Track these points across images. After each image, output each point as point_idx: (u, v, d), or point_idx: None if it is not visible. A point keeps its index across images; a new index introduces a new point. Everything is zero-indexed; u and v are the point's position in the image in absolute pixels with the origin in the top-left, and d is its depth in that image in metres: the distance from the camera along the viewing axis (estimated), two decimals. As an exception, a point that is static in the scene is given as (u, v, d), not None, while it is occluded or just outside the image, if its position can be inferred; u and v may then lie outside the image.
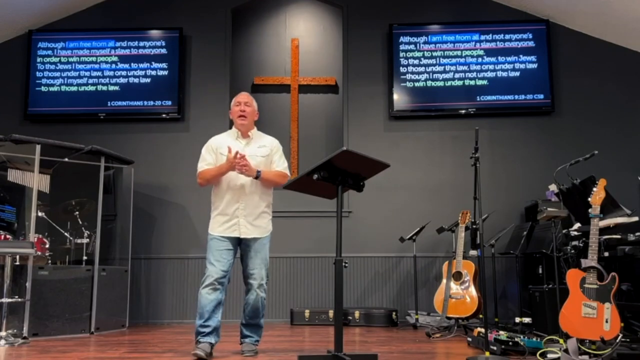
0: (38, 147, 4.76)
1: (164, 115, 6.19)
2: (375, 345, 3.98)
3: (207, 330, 3.38)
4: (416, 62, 6.20)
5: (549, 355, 3.29)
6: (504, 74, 6.13)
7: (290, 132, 6.47)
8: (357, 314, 5.44)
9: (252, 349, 3.51)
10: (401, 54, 6.21)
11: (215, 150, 3.62)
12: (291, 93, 6.57)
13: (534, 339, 3.56)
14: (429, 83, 6.16)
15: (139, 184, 6.05)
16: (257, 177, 3.47)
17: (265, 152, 3.64)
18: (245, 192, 3.51)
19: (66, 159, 5.13)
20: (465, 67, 6.16)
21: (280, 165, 3.65)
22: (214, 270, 3.41)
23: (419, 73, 6.18)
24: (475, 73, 6.15)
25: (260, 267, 3.52)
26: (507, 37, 6.18)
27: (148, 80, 6.24)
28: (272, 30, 6.76)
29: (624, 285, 4.00)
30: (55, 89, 6.25)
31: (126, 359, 3.41)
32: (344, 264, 2.90)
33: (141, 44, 6.30)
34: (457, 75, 6.16)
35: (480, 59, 6.17)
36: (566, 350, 3.10)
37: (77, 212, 5.37)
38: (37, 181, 4.75)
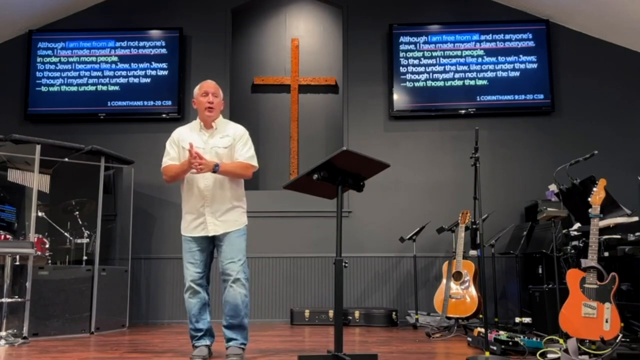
0: (38, 147, 4.76)
1: (164, 115, 6.19)
2: (375, 345, 3.98)
3: (199, 334, 3.36)
4: (416, 62, 6.20)
5: (549, 355, 3.29)
6: (504, 74, 6.13)
7: (290, 132, 6.46)
8: (357, 314, 5.44)
9: (238, 354, 3.23)
10: (401, 54, 6.21)
11: (178, 143, 3.40)
12: (291, 93, 6.56)
13: (534, 339, 3.56)
14: (429, 83, 6.16)
15: (139, 184, 6.05)
16: (214, 171, 3.21)
17: (228, 142, 3.37)
18: (210, 188, 3.29)
19: (66, 159, 5.13)
20: (465, 67, 6.16)
21: (243, 155, 3.35)
22: (189, 274, 3.32)
23: (419, 73, 6.18)
24: (475, 73, 6.15)
25: (234, 259, 3.26)
26: (507, 37, 6.17)
27: (148, 80, 6.24)
28: (272, 30, 6.76)
29: (624, 285, 4.00)
30: (55, 89, 6.25)
31: (126, 359, 3.41)
32: (344, 264, 2.90)
33: (141, 44, 6.30)
34: (457, 75, 6.16)
35: (480, 59, 6.17)
36: (566, 350, 3.10)
37: (77, 212, 5.37)
38: (37, 181, 4.75)
